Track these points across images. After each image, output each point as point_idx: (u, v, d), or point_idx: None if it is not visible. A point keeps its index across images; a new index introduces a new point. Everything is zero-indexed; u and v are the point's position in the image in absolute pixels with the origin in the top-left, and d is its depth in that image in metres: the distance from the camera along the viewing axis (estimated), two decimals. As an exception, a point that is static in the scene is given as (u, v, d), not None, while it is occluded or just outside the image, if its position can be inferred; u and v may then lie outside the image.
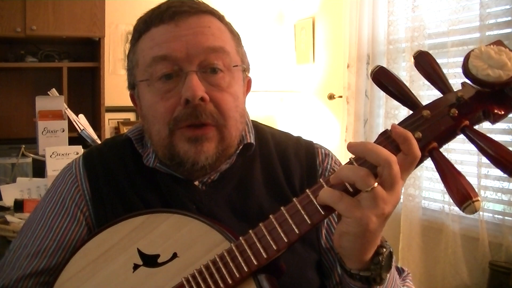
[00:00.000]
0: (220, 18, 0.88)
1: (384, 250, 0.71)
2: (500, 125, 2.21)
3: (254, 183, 0.90)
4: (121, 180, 0.89)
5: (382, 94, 2.83)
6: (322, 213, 0.66)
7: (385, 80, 0.71)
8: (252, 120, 0.97)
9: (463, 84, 0.70)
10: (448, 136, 0.67)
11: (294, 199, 0.69)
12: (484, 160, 2.24)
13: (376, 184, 0.63)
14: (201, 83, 0.81)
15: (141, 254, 0.77)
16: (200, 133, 0.82)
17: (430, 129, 0.66)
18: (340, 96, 3.25)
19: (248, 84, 0.95)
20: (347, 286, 0.77)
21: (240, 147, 0.90)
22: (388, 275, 0.73)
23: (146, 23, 0.85)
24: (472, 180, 2.21)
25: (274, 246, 0.68)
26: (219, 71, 0.83)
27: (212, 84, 0.83)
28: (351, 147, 0.66)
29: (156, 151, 0.88)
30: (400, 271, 0.90)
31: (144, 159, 0.90)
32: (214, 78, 0.83)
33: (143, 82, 0.86)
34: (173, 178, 0.89)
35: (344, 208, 0.63)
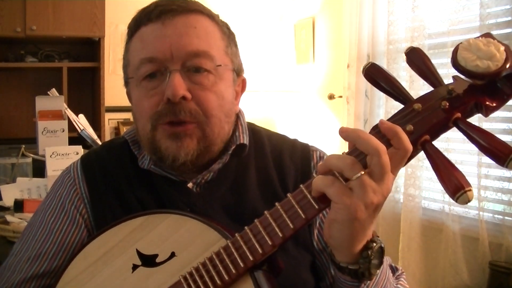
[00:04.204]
0: (211, 16, 0.88)
1: (374, 244, 0.70)
2: (500, 125, 2.22)
3: (249, 185, 0.90)
4: (119, 182, 0.90)
5: (382, 94, 2.82)
6: (316, 207, 0.67)
7: (376, 76, 0.71)
8: (248, 122, 0.97)
9: (455, 77, 0.70)
10: (440, 129, 0.67)
11: (289, 195, 0.69)
12: (484, 160, 2.25)
13: (363, 172, 0.63)
14: (184, 82, 0.82)
15: (140, 255, 0.77)
16: (179, 130, 0.83)
17: (422, 122, 0.67)
18: (340, 96, 3.25)
19: (243, 84, 0.95)
20: (338, 281, 0.77)
21: (233, 148, 0.90)
22: (378, 271, 0.73)
23: (136, 22, 0.87)
24: (472, 180, 2.20)
25: (269, 242, 0.68)
26: (203, 70, 0.84)
27: (195, 82, 0.84)
28: (343, 132, 0.66)
29: (143, 147, 0.89)
30: (394, 269, 0.89)
31: (139, 161, 0.91)
32: (197, 77, 0.84)
33: (132, 81, 0.88)
34: (167, 180, 0.89)
35: (334, 192, 0.64)
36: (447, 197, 2.42)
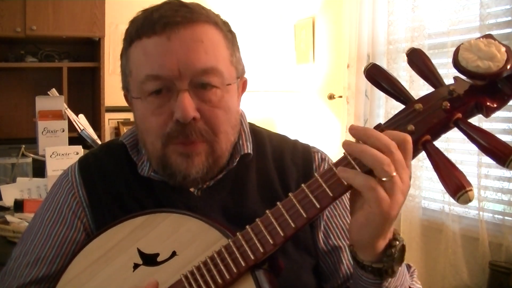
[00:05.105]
0: (215, 23, 0.85)
1: (397, 242, 0.71)
2: (500, 125, 2.22)
3: (249, 188, 0.90)
4: (118, 186, 0.89)
5: (382, 94, 2.83)
6: (318, 206, 0.67)
7: (378, 76, 0.72)
8: (250, 123, 0.96)
9: (455, 78, 0.70)
10: (441, 129, 0.68)
11: (290, 194, 0.69)
12: (484, 160, 2.25)
13: (395, 173, 0.63)
14: (193, 100, 0.80)
15: (141, 254, 0.78)
16: (190, 150, 0.82)
17: (423, 122, 0.67)
18: (340, 96, 3.25)
19: (243, 85, 0.94)
20: (358, 279, 0.76)
21: (237, 159, 0.89)
22: (400, 268, 0.74)
23: (138, 31, 0.82)
24: (472, 180, 2.19)
25: (270, 241, 0.68)
26: (211, 87, 0.82)
27: (203, 100, 0.82)
28: (352, 130, 0.67)
29: (150, 160, 0.88)
30: (407, 267, 0.89)
31: (138, 168, 0.89)
32: (205, 93, 0.82)
33: (135, 95, 0.85)
34: (168, 185, 0.88)
35: (376, 197, 0.64)
36: (447, 197, 2.42)
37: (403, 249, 0.73)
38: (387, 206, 0.64)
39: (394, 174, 0.63)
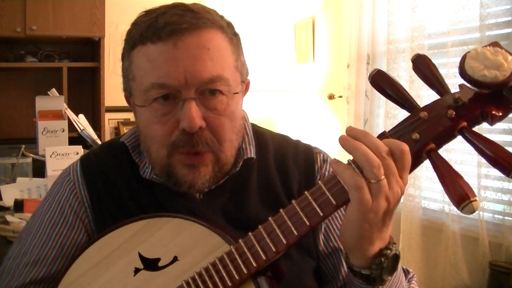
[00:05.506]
0: (220, 27, 0.83)
1: (389, 251, 0.70)
2: (500, 125, 2.21)
3: (250, 191, 0.89)
4: (120, 187, 0.89)
5: (382, 94, 2.83)
6: (321, 214, 0.67)
7: (383, 83, 0.71)
8: (252, 124, 0.96)
9: (461, 86, 0.70)
10: (446, 138, 0.67)
11: (293, 201, 0.69)
12: (484, 160, 2.24)
13: (383, 177, 0.63)
14: (199, 108, 0.79)
15: (142, 258, 0.77)
16: (197, 161, 0.82)
17: (428, 130, 0.67)
18: (340, 96, 3.25)
19: (246, 87, 0.93)
20: (351, 283, 0.77)
21: (240, 163, 0.88)
22: (390, 277, 0.73)
23: (142, 36, 0.80)
24: (472, 180, 2.20)
25: (273, 248, 0.68)
26: (218, 93, 0.81)
27: (210, 108, 0.81)
28: (351, 130, 0.67)
29: (153, 166, 0.87)
30: (406, 272, 0.89)
31: (140, 170, 0.89)
32: (212, 101, 0.81)
33: (139, 101, 0.84)
34: (170, 188, 0.87)
35: (358, 197, 0.64)
36: (447, 197, 2.41)
37: (396, 258, 0.72)
38: (367, 209, 0.64)
39: (382, 177, 0.63)
